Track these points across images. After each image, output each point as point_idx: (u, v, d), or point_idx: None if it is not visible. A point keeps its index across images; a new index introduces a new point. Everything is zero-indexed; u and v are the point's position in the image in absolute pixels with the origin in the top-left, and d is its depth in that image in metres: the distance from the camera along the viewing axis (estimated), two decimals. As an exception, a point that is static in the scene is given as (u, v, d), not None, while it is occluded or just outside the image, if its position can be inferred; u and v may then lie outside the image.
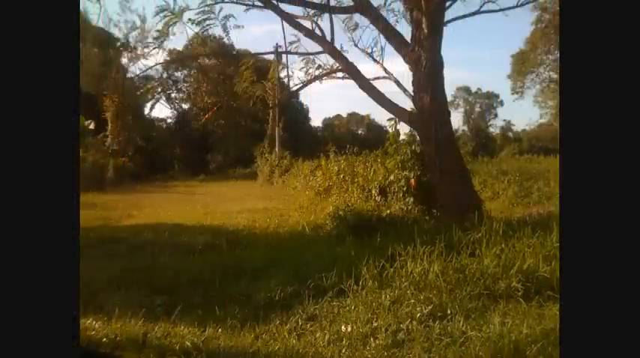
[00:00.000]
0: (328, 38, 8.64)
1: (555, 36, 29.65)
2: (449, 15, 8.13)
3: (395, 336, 3.38)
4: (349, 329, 3.53)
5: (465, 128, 50.35)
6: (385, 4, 9.37)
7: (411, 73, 7.92)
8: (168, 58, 24.43)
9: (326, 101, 79.20)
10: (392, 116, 8.82)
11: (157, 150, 33.92)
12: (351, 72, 8.50)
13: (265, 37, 55.82)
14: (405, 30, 11.12)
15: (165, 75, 36.35)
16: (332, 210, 8.49)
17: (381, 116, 58.78)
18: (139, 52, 28.94)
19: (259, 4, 8.63)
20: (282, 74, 19.11)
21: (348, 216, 7.82)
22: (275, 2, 8.41)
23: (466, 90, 52.33)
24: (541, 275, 4.24)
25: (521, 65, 37.32)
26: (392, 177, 8.93)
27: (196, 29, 8.93)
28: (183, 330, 3.57)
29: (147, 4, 45.10)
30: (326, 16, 8.99)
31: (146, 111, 35.89)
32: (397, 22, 9.35)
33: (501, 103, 51.98)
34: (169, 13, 8.47)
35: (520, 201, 11.89)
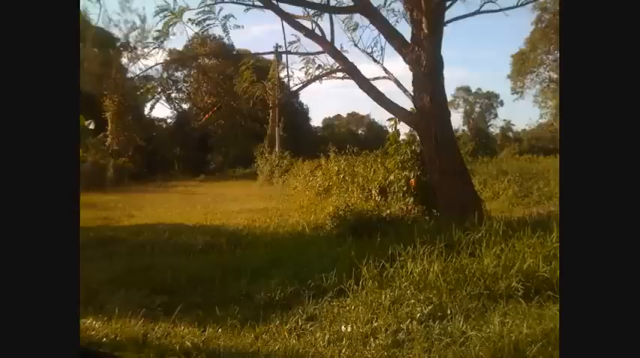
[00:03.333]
0: (328, 38, 8.63)
1: (555, 36, 29.65)
2: (449, 15, 8.11)
3: (395, 336, 3.38)
4: (349, 329, 3.53)
5: (465, 128, 50.27)
6: (385, 4, 9.36)
7: (411, 73, 7.93)
8: (168, 58, 24.44)
9: (326, 101, 79.00)
10: (392, 116, 8.82)
11: (157, 150, 33.85)
12: (351, 72, 8.49)
13: (265, 37, 55.71)
14: (405, 30, 11.14)
15: (165, 75, 36.30)
16: (332, 210, 8.51)
17: (381, 116, 58.59)
18: (139, 52, 28.94)
19: (259, 4, 8.62)
20: (282, 74, 19.22)
21: (348, 216, 7.83)
22: (275, 2, 8.40)
23: (466, 90, 52.19)
24: (541, 275, 4.23)
25: (521, 65, 37.32)
26: (392, 177, 8.94)
27: (196, 29, 8.94)
28: (183, 330, 3.57)
29: (147, 4, 45.22)
30: (326, 16, 8.98)
31: (146, 111, 35.84)
32: (397, 22, 9.34)
33: (501, 103, 51.83)
34: (169, 13, 8.46)
35: (520, 201, 11.91)
